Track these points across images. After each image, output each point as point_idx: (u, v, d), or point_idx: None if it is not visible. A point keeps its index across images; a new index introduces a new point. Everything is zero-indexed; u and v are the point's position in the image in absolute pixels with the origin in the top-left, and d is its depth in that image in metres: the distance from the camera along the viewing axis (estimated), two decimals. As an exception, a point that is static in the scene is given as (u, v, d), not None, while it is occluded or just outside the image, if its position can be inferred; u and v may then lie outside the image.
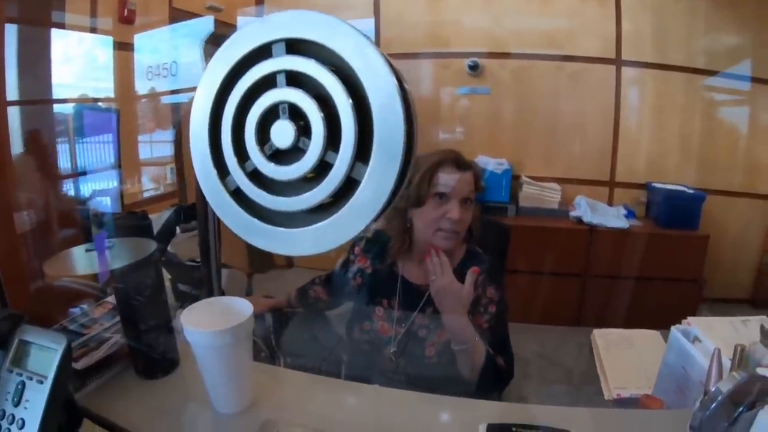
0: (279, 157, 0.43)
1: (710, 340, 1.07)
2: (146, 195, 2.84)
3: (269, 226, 0.45)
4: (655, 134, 3.12)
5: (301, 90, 0.41)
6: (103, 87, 2.50)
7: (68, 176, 2.16)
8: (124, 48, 2.50)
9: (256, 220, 0.45)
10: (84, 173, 2.20)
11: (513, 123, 3.22)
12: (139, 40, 2.51)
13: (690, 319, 1.20)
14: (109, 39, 2.51)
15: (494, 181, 3.04)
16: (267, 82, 0.43)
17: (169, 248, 1.67)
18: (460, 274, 1.31)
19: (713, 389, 0.72)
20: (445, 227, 1.28)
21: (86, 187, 2.19)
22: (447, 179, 1.29)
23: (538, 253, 2.84)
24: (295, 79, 0.42)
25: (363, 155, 0.40)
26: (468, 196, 1.30)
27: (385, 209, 0.39)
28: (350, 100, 0.39)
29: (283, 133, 0.42)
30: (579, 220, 2.97)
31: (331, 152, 0.41)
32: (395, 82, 0.38)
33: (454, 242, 1.32)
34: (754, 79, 2.87)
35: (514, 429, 0.83)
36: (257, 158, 0.44)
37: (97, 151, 2.31)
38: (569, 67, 3.07)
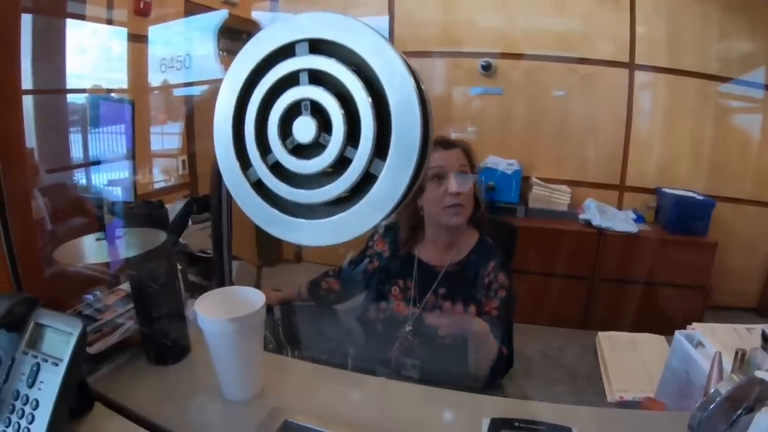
0: (300, 151, 0.45)
1: (714, 345, 1.08)
2: (158, 186, 2.87)
3: (289, 217, 0.47)
4: (666, 139, 3.11)
5: (322, 88, 0.43)
6: (118, 78, 2.53)
7: (82, 165, 2.18)
8: (138, 40, 2.53)
9: (276, 211, 0.47)
10: (98, 163, 2.23)
11: (524, 124, 3.22)
12: (154, 32, 2.55)
13: (695, 324, 1.20)
14: (124, 31, 2.53)
15: (504, 181, 3.05)
16: (290, 80, 0.45)
17: (180, 239, 1.69)
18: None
19: (712, 391, 0.72)
20: (449, 202, 1.34)
21: (100, 177, 2.22)
22: (437, 159, 1.36)
23: (547, 254, 2.85)
24: (317, 77, 0.44)
25: (381, 151, 0.41)
26: (462, 171, 1.36)
27: (401, 203, 0.41)
28: (370, 99, 0.41)
29: (304, 129, 0.44)
30: (588, 223, 2.97)
31: (351, 148, 0.42)
32: (413, 81, 0.39)
33: (463, 216, 1.37)
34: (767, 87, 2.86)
35: (516, 424, 0.84)
36: (279, 152, 0.46)
37: (111, 141, 2.33)
38: (582, 69, 3.07)
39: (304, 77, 0.44)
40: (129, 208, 1.38)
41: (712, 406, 0.70)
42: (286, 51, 0.45)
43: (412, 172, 0.40)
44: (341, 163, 0.43)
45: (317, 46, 0.44)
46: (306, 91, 0.44)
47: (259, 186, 0.48)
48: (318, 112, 0.44)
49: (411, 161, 0.40)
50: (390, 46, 0.40)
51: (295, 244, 0.50)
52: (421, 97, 0.39)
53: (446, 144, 1.39)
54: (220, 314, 0.87)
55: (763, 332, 0.96)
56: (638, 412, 1.10)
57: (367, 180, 0.42)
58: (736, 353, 0.93)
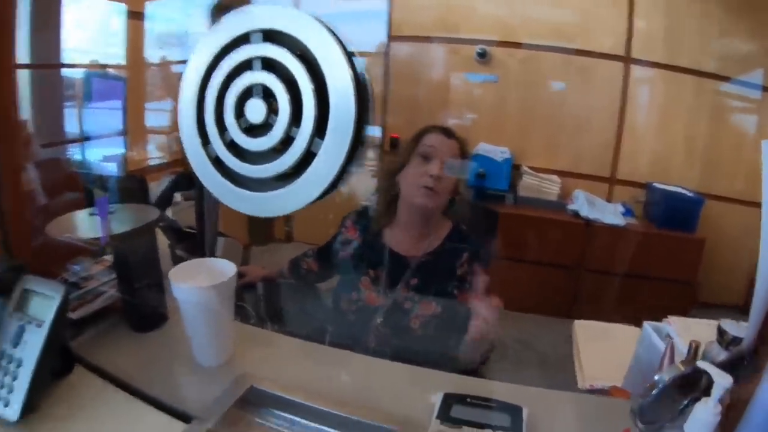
0: (252, 130, 0.50)
1: (682, 338, 1.08)
2: (153, 163, 2.88)
3: (241, 190, 0.51)
4: (659, 135, 3.11)
5: (272, 73, 0.47)
6: (114, 53, 2.53)
7: (73, 141, 2.20)
8: (134, 17, 2.53)
9: (230, 184, 0.52)
10: (88, 138, 2.24)
11: (518, 112, 3.21)
12: (151, 8, 2.54)
13: (670, 318, 1.19)
14: (121, 6, 2.53)
15: (494, 168, 3.06)
16: (245, 65, 0.49)
17: (170, 215, 1.72)
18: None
19: (656, 378, 0.73)
20: (425, 183, 1.31)
21: (90, 153, 2.23)
22: (431, 141, 1.34)
23: (534, 243, 2.87)
24: (268, 64, 0.48)
25: (321, 132, 0.46)
26: (451, 160, 1.34)
27: (336, 181, 0.45)
28: (312, 85, 0.45)
29: (256, 110, 0.48)
30: (576, 214, 2.98)
31: (295, 128, 0.46)
32: (351, 71, 0.43)
33: (433, 201, 1.34)
34: (766, 89, 2.86)
35: (468, 399, 0.88)
36: (234, 131, 0.50)
37: (104, 118, 2.35)
38: (578, 61, 3.06)
39: (257, 63, 0.48)
40: (113, 182, 1.41)
41: (653, 392, 0.72)
42: (243, 39, 0.49)
43: (347, 153, 0.44)
44: (287, 142, 0.47)
45: (270, 36, 0.48)
46: (258, 76, 0.48)
47: (217, 162, 0.52)
48: (269, 95, 0.48)
49: (346, 142, 0.44)
50: (333, 39, 0.44)
51: (264, 217, 0.54)
52: (358, 85, 0.43)
53: (446, 132, 1.37)
54: (194, 283, 0.91)
55: (719, 327, 0.96)
56: (592, 397, 1.12)
57: (309, 158, 0.47)
58: (690, 345, 0.93)
